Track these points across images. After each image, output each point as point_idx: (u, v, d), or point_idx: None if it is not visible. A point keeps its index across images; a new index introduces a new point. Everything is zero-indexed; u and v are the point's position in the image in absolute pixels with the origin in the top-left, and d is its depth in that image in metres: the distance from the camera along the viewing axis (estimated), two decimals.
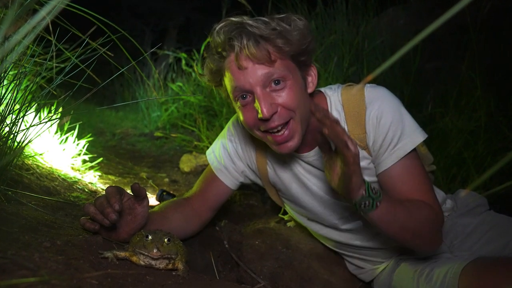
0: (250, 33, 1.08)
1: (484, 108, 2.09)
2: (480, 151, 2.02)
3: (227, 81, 1.14)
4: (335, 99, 1.24)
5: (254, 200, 1.87)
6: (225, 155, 1.42)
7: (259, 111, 1.09)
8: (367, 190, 1.00)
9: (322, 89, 1.28)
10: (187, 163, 2.56)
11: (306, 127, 1.18)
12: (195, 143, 3.02)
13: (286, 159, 1.33)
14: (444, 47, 2.69)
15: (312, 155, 1.26)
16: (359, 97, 1.19)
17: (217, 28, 1.11)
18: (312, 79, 1.20)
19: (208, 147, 2.51)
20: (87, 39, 1.30)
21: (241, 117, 1.17)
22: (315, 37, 1.17)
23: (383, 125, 1.15)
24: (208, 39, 1.17)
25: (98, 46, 1.30)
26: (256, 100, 1.10)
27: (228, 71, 1.13)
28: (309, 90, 1.20)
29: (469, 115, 2.14)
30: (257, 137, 1.20)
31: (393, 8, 3.24)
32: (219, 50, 1.12)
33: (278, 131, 1.13)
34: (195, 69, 1.21)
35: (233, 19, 1.11)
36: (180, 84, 4.02)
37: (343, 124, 1.22)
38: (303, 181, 1.32)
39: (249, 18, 1.12)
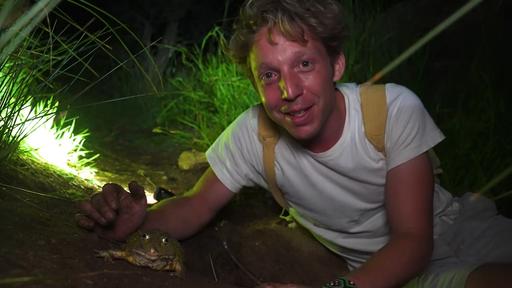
0: (285, 8, 1.04)
1: (493, 109, 2.05)
2: (488, 153, 1.99)
3: (253, 56, 1.11)
4: (353, 98, 1.21)
5: (254, 200, 1.85)
6: (228, 157, 1.37)
7: (284, 91, 1.06)
8: None
9: (338, 87, 1.25)
10: (186, 160, 2.53)
11: (327, 117, 1.15)
12: (195, 140, 2.99)
13: (296, 160, 1.29)
14: (453, 45, 2.65)
15: (327, 155, 1.23)
16: (380, 98, 1.17)
17: (250, 0, 1.07)
18: (339, 67, 1.17)
19: (208, 145, 2.48)
20: (85, 32, 1.27)
21: (263, 97, 1.14)
22: (348, 24, 1.13)
23: (400, 123, 1.14)
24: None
25: (97, 39, 1.27)
26: (282, 80, 1.07)
27: (256, 46, 1.09)
28: (335, 79, 1.17)
29: (478, 116, 2.10)
30: (274, 119, 1.17)
31: (401, 4, 3.17)
32: (250, 23, 1.08)
33: (299, 113, 1.10)
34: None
35: None
36: (180, 79, 3.98)
37: (361, 124, 1.20)
38: (314, 183, 1.28)
39: None
